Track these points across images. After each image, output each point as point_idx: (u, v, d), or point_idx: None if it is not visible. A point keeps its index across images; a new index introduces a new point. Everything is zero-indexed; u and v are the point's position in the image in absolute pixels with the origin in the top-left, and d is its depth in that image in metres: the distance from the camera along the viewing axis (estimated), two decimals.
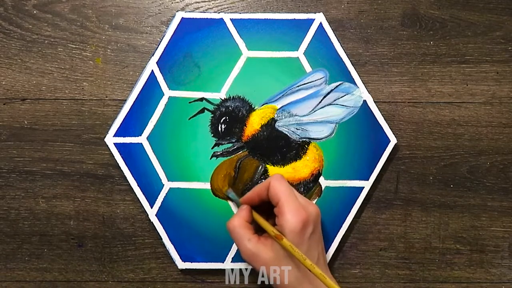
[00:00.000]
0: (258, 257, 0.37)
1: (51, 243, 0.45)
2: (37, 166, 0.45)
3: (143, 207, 0.44)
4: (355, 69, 0.45)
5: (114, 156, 0.44)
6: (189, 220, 0.44)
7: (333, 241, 0.44)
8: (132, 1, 0.46)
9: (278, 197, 0.37)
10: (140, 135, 0.44)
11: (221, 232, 0.44)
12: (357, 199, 0.44)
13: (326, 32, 0.45)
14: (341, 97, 0.45)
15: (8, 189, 0.45)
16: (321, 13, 0.45)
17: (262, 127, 0.44)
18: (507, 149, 0.46)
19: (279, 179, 0.38)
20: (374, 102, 0.45)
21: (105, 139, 0.44)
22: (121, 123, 0.44)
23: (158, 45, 0.45)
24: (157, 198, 0.44)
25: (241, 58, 0.45)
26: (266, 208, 0.40)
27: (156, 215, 0.44)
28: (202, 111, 0.45)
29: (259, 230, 0.39)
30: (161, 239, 0.44)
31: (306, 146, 0.45)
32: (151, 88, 0.44)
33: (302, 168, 0.44)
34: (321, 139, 0.45)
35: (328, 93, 0.45)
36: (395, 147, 0.45)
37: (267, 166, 0.44)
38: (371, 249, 0.46)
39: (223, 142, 0.44)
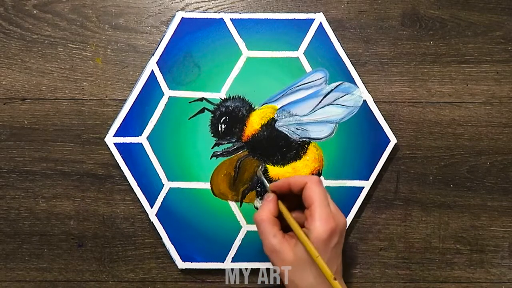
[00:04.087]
0: (279, 255, 0.37)
1: (51, 243, 0.45)
2: (37, 166, 0.45)
3: (143, 207, 0.44)
4: (355, 69, 0.45)
5: (114, 156, 0.44)
6: (189, 220, 0.44)
7: None
8: (132, 1, 0.46)
9: (312, 200, 0.37)
10: (140, 135, 0.44)
11: (221, 232, 0.44)
12: (357, 199, 0.44)
13: (326, 32, 0.45)
14: (341, 97, 0.45)
15: (8, 189, 0.45)
16: (321, 13, 0.45)
17: (262, 127, 0.44)
18: (507, 149, 0.46)
19: (317, 182, 0.38)
20: (374, 102, 0.45)
21: (105, 139, 0.44)
22: (121, 123, 0.44)
23: (158, 45, 0.45)
24: (157, 198, 0.44)
25: (241, 58, 0.45)
26: (291, 198, 0.39)
27: (156, 215, 0.44)
28: (202, 111, 0.45)
29: (284, 226, 0.39)
30: (161, 239, 0.44)
31: (306, 146, 0.45)
32: (151, 88, 0.44)
33: (302, 168, 0.44)
34: (321, 139, 0.45)
35: (328, 93, 0.45)
36: (395, 147, 0.45)
37: (267, 166, 0.44)
38: (371, 249, 0.46)
39: (223, 142, 0.44)
